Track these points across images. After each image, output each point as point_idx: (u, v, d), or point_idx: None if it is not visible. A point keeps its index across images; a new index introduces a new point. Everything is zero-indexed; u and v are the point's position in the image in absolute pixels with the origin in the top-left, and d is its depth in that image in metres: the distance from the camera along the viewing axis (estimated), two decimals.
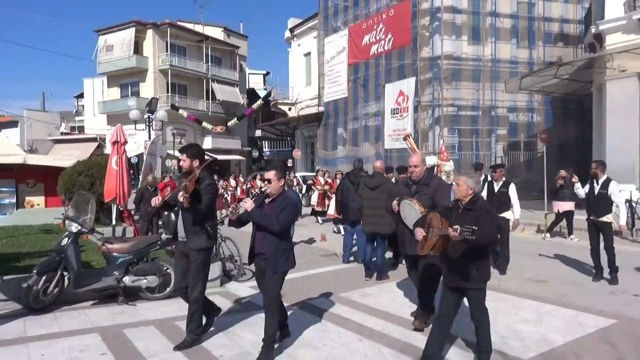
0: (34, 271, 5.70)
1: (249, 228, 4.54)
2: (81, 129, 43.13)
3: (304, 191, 20.08)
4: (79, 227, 6.03)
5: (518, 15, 21.13)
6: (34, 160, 12.31)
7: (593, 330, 4.98)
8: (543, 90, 18.02)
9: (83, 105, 45.56)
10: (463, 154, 20.77)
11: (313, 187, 16.45)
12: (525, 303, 5.97)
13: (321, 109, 28.28)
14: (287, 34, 33.50)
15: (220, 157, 35.86)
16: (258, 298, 6.47)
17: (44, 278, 5.73)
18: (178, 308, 5.63)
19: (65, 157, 15.48)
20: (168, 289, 6.27)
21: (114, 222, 9.92)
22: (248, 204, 4.32)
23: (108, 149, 33.02)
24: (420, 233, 4.04)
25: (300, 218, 11.16)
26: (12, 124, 37.62)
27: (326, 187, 15.42)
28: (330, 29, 27.29)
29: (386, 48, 22.60)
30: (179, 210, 4.68)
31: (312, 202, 16.02)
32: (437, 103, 20.31)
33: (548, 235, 11.61)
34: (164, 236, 6.65)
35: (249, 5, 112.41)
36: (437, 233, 3.84)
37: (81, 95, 46.17)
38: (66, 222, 6.11)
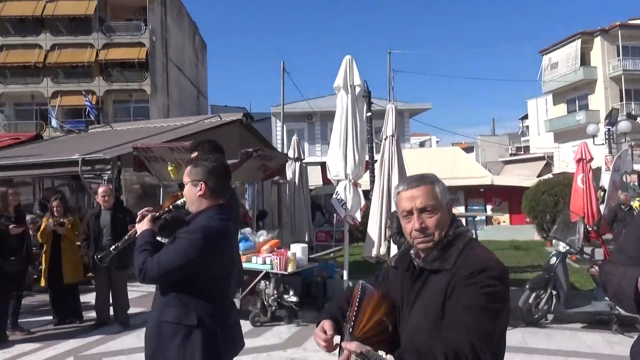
0: (526, 286, 6.09)
1: None
2: (526, 149, 44.40)
3: None
4: (567, 247, 6.06)
5: None
6: (500, 180, 13.42)
7: None
8: None
9: (527, 126, 47.00)
10: None
11: None
12: None
13: None
14: None
15: None
16: None
17: (534, 294, 6.04)
18: None
19: (526, 177, 16.23)
20: None
21: (581, 243, 9.58)
22: (145, 221, 2.36)
23: (557, 168, 32.84)
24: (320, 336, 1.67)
25: None
26: (469, 149, 42.72)
27: None
28: None
29: None
30: None
31: None
32: None
33: None
34: None
35: None
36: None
37: (525, 117, 47.80)
38: (553, 241, 6.27)
